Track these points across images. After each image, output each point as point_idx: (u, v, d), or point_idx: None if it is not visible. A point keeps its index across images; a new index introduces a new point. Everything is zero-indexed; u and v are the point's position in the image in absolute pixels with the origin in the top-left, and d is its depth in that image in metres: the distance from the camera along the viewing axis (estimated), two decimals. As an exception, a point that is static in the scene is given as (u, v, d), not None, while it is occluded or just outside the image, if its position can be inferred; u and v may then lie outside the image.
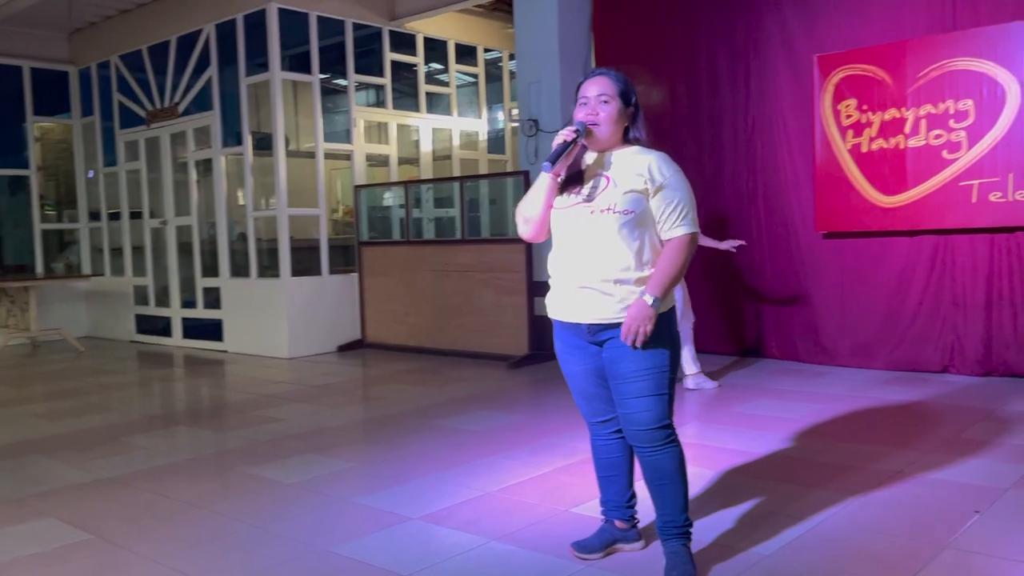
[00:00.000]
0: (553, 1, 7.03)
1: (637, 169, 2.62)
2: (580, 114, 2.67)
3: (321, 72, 8.11)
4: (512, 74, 9.95)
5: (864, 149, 5.97)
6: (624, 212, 2.56)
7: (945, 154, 5.66)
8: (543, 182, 2.64)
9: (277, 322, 7.92)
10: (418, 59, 9.00)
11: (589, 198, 2.62)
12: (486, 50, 9.69)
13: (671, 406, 2.65)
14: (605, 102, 2.65)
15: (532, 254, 7.01)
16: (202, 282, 8.83)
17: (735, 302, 6.83)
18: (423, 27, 8.96)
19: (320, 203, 8.13)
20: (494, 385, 6.20)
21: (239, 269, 8.46)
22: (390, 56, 8.72)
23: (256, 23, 7.93)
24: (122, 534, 3.28)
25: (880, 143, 5.91)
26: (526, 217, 2.70)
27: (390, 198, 8.60)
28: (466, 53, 9.48)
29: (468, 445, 4.47)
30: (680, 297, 5.42)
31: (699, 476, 3.66)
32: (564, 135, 2.57)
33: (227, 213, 8.44)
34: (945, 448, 4.04)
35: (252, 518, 3.42)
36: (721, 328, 6.86)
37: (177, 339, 9.17)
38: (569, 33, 7.14)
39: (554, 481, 3.79)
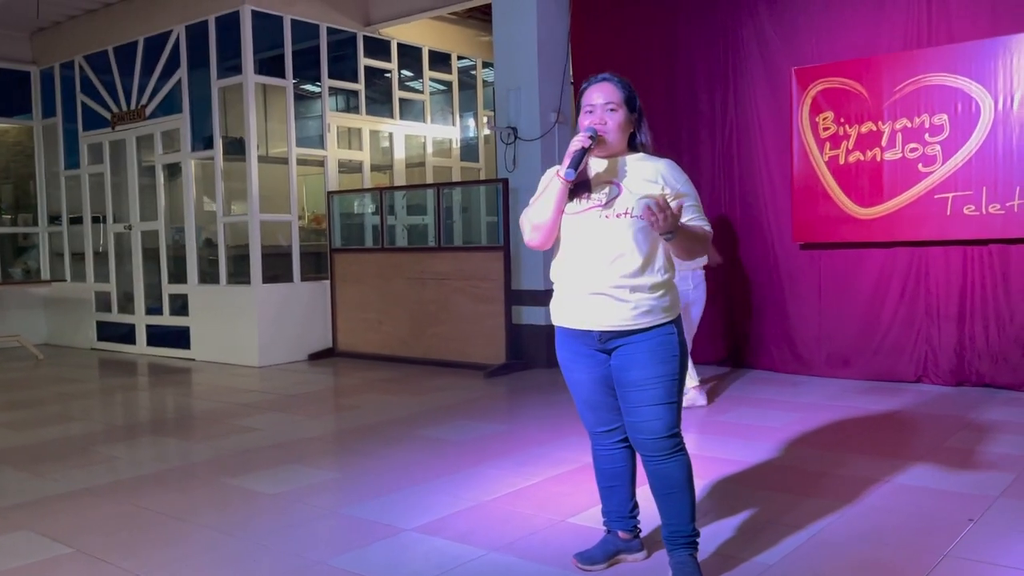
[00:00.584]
0: (532, 9, 7.02)
1: (649, 175, 2.60)
2: (587, 122, 2.64)
3: (294, 76, 8.00)
4: (486, 82, 9.94)
5: (841, 161, 6.05)
6: (640, 217, 2.54)
7: (921, 167, 5.75)
8: (554, 188, 2.60)
9: (247, 330, 7.77)
10: (392, 65, 8.93)
11: (601, 203, 2.59)
12: (460, 57, 9.65)
13: (680, 414, 2.63)
14: (612, 110, 2.63)
15: (510, 262, 6.97)
16: (168, 288, 8.64)
17: (711, 311, 6.84)
18: (397, 33, 8.90)
19: (292, 209, 8.01)
20: (472, 394, 6.15)
21: (208, 275, 8.29)
22: (364, 61, 8.64)
23: (228, 25, 7.80)
24: (105, 548, 3.16)
25: (857, 155, 5.99)
26: (535, 224, 2.65)
27: (364, 205, 8.50)
28: (440, 60, 9.44)
29: (452, 455, 4.41)
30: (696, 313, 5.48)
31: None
32: (580, 142, 2.54)
33: (196, 218, 8.28)
34: (930, 457, 4.08)
35: (240, 530, 3.32)
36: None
37: (141, 346, 8.95)
38: (548, 40, 7.14)
39: (546, 491, 3.75)
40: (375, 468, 4.19)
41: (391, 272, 7.79)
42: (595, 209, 2.60)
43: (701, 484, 3.71)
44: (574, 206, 2.63)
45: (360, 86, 8.61)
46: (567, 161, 2.55)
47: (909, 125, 5.78)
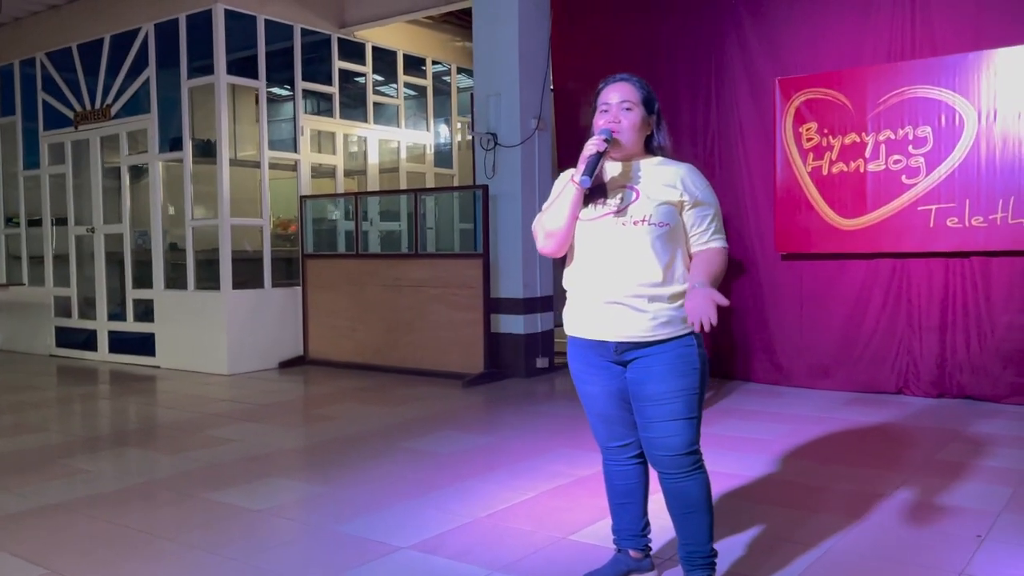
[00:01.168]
0: (513, 14, 6.93)
1: (668, 180, 2.51)
2: (601, 121, 2.54)
3: (267, 78, 7.81)
4: (460, 88, 9.83)
5: (825, 172, 6.04)
6: (659, 224, 2.45)
7: (904, 179, 5.76)
8: (569, 194, 2.49)
9: (216, 337, 7.54)
10: (366, 68, 8.77)
11: (618, 210, 2.49)
12: (434, 62, 9.53)
13: (699, 430, 2.53)
14: (628, 109, 2.53)
15: (489, 269, 6.86)
16: (133, 293, 8.37)
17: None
18: (372, 36, 8.76)
19: (264, 214, 7.81)
20: (452, 404, 6.01)
21: (174, 280, 8.05)
22: (338, 64, 8.48)
23: (199, 24, 7.59)
24: (81, 569, 2.97)
25: (840, 167, 5.99)
26: (549, 231, 2.54)
27: (337, 210, 8.33)
28: (414, 64, 9.31)
29: (440, 468, 4.28)
30: None
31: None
32: (595, 145, 2.44)
33: (163, 221, 8.03)
34: (926, 471, 4.05)
35: (226, 550, 3.15)
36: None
37: (103, 353, 8.66)
38: (529, 47, 7.06)
39: (543, 506, 3.63)
40: (361, 482, 4.04)
41: (365, 279, 7.63)
42: (611, 215, 2.50)
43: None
44: (589, 212, 2.52)
45: (334, 89, 8.44)
46: (581, 167, 2.45)
47: (893, 137, 5.79)
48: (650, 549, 2.81)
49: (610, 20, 7.06)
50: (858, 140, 5.91)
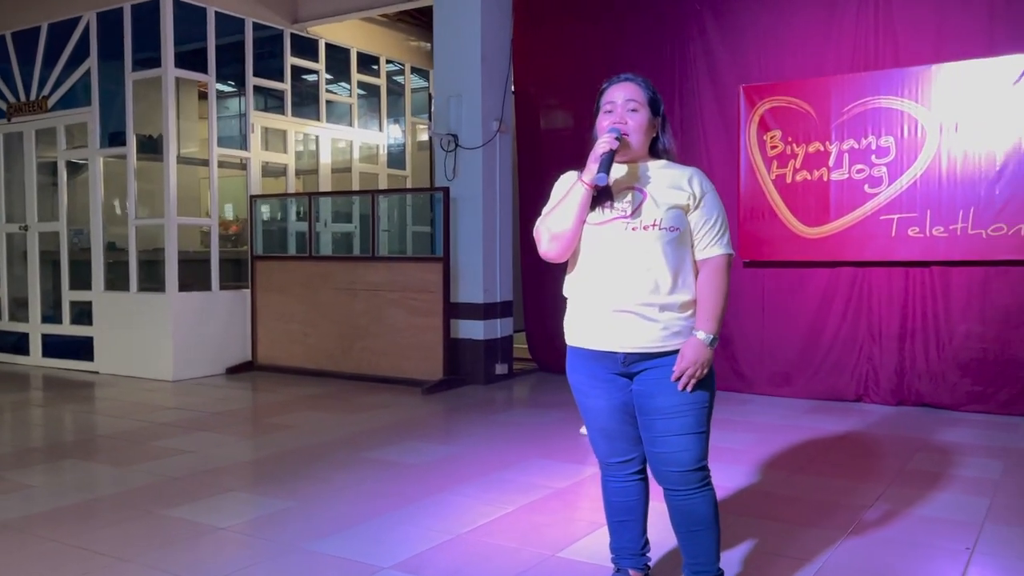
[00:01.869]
0: (475, 15, 6.80)
1: (675, 183, 2.42)
2: (606, 122, 2.43)
3: (216, 73, 7.52)
4: (414, 89, 9.65)
5: (788, 180, 6.06)
6: (670, 229, 2.35)
7: (867, 188, 5.81)
8: (578, 193, 2.37)
9: (160, 341, 7.22)
10: (319, 66, 8.54)
11: (627, 213, 2.39)
12: (388, 61, 9.33)
13: (708, 445, 2.44)
14: (634, 110, 2.43)
15: (449, 274, 6.71)
16: (69, 295, 7.98)
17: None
18: (326, 33, 8.53)
19: (213, 213, 7.52)
20: (413, 412, 5.85)
21: (114, 281, 7.69)
22: (290, 60, 8.23)
23: (145, 14, 7.26)
24: (36, 597, 2.74)
25: (804, 175, 6.01)
26: (555, 233, 2.41)
27: (288, 210, 8.07)
28: (368, 63, 9.10)
29: (410, 480, 4.12)
30: None
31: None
32: (608, 144, 2.33)
33: (103, 220, 7.67)
34: (901, 481, 4.04)
35: (193, 571, 2.94)
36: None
37: (36, 357, 8.23)
38: (491, 47, 6.94)
39: (525, 522, 3.51)
40: (329, 496, 3.85)
41: (319, 282, 7.40)
42: (620, 220, 2.39)
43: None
44: (596, 216, 2.41)
45: (286, 86, 8.19)
46: (593, 166, 2.34)
47: (856, 146, 5.84)
48: (649, 568, 2.71)
49: (573, 23, 6.99)
50: (822, 149, 5.95)
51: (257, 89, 7.97)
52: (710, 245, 2.42)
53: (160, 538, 3.31)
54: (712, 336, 2.37)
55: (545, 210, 2.50)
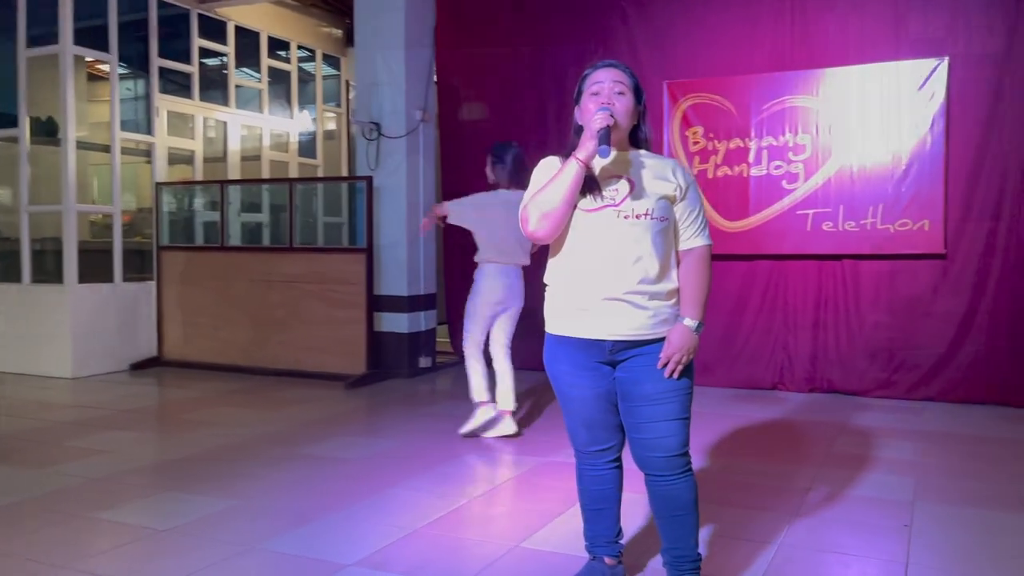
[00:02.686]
0: (400, 2, 6.68)
1: (661, 174, 2.44)
2: (592, 104, 2.41)
3: (119, 52, 7.12)
4: (326, 76, 9.42)
5: (710, 175, 6.22)
6: (660, 219, 2.38)
7: (784, 184, 6.03)
8: (571, 171, 2.34)
9: (57, 335, 6.79)
10: (228, 49, 8.21)
11: (616, 202, 2.39)
12: (300, 47, 9.07)
13: (689, 431, 2.48)
14: (620, 93, 2.44)
15: (372, 264, 6.58)
16: (-48, 287, 7.40)
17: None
18: (235, 15, 8.21)
19: (115, 200, 7.12)
20: (338, 407, 5.71)
21: (4, 272, 7.19)
22: (198, 42, 7.88)
23: (40, -13, 6.81)
24: (-28, 610, 2.53)
25: (725, 170, 6.18)
26: (545, 211, 2.36)
27: (195, 199, 7.72)
28: (278, 48, 8.81)
29: (353, 476, 4.02)
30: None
31: (633, 502, 3.51)
32: (603, 120, 2.31)
33: (-8, 206, 7.16)
34: (832, 463, 4.22)
35: (145, 577, 2.78)
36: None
37: (-88, 355, 7.60)
38: (414, 35, 6.84)
39: (480, 513, 3.49)
40: (274, 493, 3.72)
41: (231, 273, 7.12)
42: (610, 208, 2.39)
43: (639, 499, 3.59)
44: (587, 203, 2.40)
45: (193, 68, 7.83)
46: (590, 144, 2.31)
47: (774, 143, 6.05)
48: (622, 554, 2.73)
49: (496, 13, 6.96)
50: (742, 145, 6.13)
51: (163, 71, 7.60)
52: (694, 236, 2.46)
53: (97, 543, 3.12)
54: (698, 322, 2.41)
55: (530, 191, 2.47)
